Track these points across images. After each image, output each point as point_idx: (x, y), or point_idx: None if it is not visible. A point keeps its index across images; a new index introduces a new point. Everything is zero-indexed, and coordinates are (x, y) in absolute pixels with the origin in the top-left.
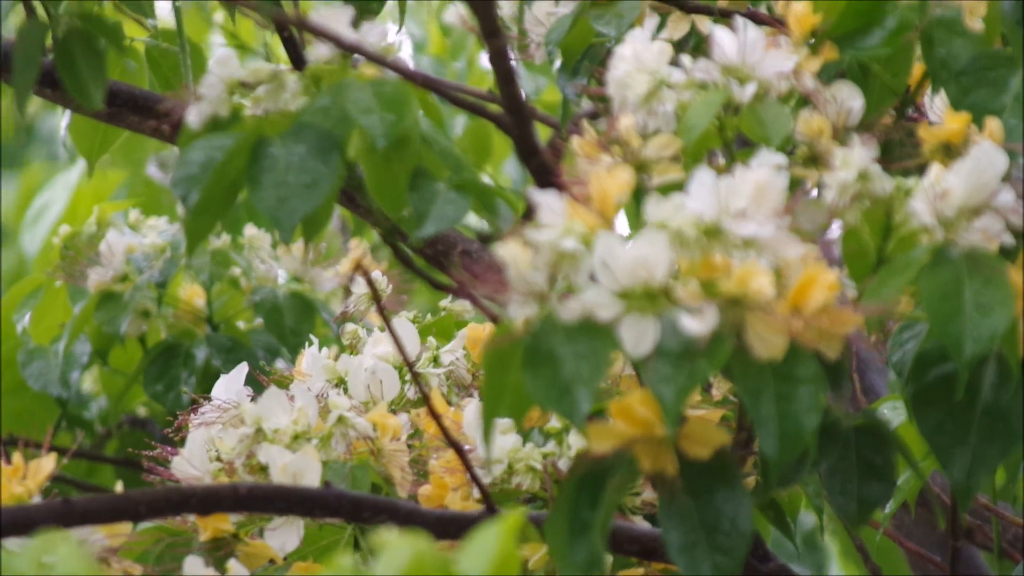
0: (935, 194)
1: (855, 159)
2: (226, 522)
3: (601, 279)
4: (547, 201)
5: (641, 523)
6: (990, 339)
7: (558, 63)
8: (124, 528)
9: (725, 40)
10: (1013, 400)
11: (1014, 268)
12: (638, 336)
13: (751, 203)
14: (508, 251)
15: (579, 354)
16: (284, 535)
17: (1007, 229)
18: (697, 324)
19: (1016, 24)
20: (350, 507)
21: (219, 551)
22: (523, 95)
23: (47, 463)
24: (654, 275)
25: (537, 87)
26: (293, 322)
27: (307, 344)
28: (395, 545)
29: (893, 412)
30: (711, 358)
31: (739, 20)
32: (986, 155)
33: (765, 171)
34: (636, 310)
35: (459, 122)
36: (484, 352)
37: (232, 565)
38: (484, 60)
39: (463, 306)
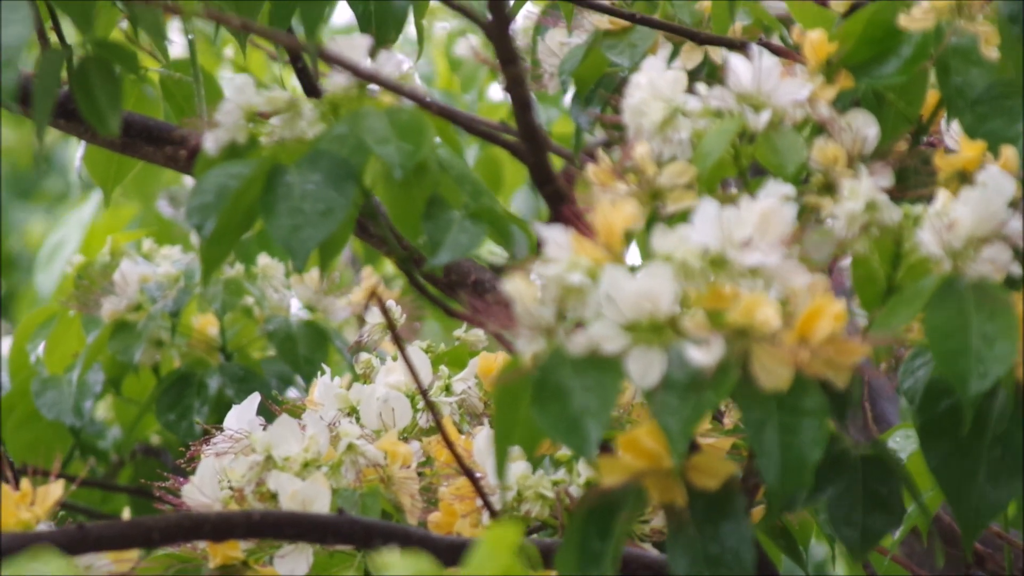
0: (943, 224)
1: (863, 189)
2: (236, 549)
3: (607, 312)
4: (553, 235)
5: (651, 550)
6: (995, 373)
7: (571, 93)
8: (131, 554)
9: (740, 68)
10: (1020, 433)
11: (1020, 299)
12: (645, 368)
13: (756, 232)
14: (514, 286)
15: (587, 387)
16: (293, 562)
17: (1015, 258)
18: (703, 355)
19: (1015, 41)
20: (362, 534)
21: None
22: (539, 124)
23: (55, 489)
24: (659, 307)
25: (548, 118)
26: (307, 351)
27: (320, 373)
28: (399, 565)
29: (905, 441)
30: (717, 389)
31: (754, 48)
32: (994, 183)
33: (771, 200)
34: (642, 342)
35: (470, 154)
36: (494, 387)
37: None
38: (494, 93)
39: (476, 335)
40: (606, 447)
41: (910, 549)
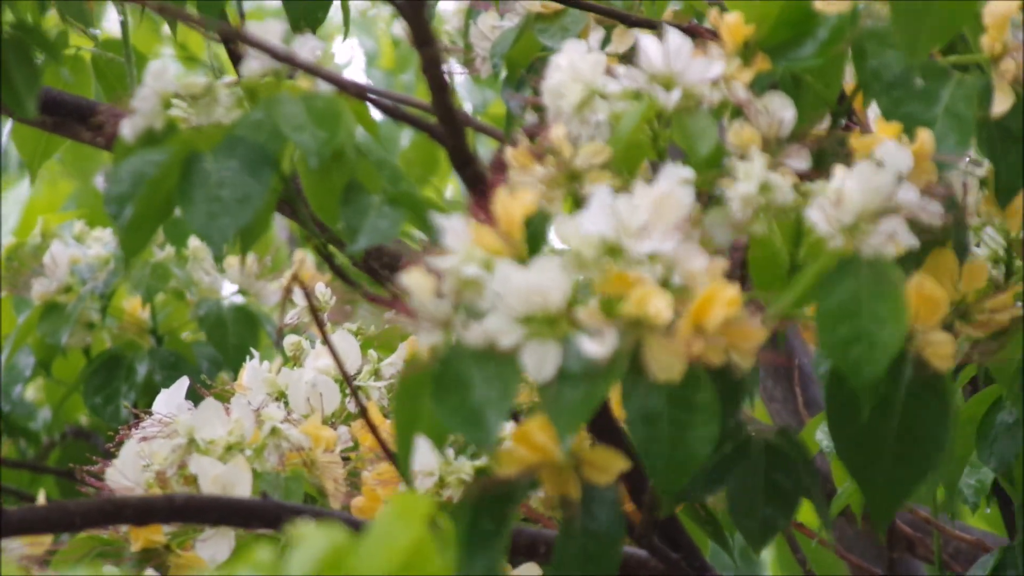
0: (831, 200)
1: (756, 170)
2: (159, 533)
3: (499, 307)
4: (451, 224)
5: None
6: (885, 358)
7: (503, 76)
8: (45, 537)
9: (650, 47)
10: (924, 414)
11: (922, 276)
12: (540, 361)
13: (652, 217)
14: (411, 280)
15: (487, 378)
16: (215, 546)
17: (913, 228)
18: (597, 347)
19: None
20: (287, 518)
21: (150, 562)
22: (457, 104)
23: None
24: (550, 301)
25: (484, 100)
26: (237, 336)
27: (249, 358)
28: (311, 535)
29: None
30: (607, 380)
31: (665, 27)
32: (887, 155)
33: (666, 185)
34: (537, 335)
35: (406, 135)
36: (397, 381)
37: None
38: None
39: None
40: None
41: (840, 533)
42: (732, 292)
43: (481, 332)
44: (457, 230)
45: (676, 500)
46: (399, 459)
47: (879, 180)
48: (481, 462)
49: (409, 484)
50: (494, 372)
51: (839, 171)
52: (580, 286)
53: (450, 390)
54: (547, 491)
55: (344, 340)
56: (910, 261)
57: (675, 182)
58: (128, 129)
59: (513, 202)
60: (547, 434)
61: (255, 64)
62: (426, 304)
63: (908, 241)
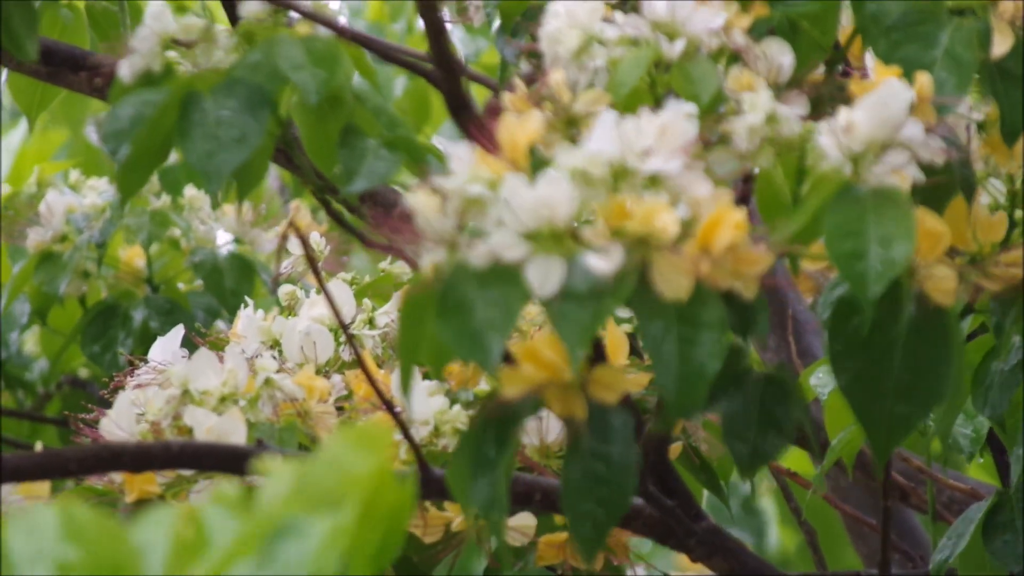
0: (841, 129)
1: (762, 102)
2: (153, 483)
3: (506, 221)
4: (457, 151)
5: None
6: (891, 273)
7: (497, 25)
8: (43, 488)
9: None
10: (927, 349)
11: (924, 209)
12: (544, 276)
13: (656, 142)
14: (416, 199)
15: (490, 301)
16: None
17: (916, 164)
18: (603, 263)
19: None
20: None
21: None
22: (454, 50)
23: None
24: (557, 215)
25: (477, 49)
26: (233, 283)
27: (244, 306)
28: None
29: (828, 376)
30: (615, 297)
31: None
32: (891, 90)
33: (670, 114)
34: (542, 251)
35: (399, 84)
36: (399, 304)
37: None
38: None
39: (402, 268)
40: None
41: (835, 484)
42: (740, 215)
43: (485, 250)
44: (462, 155)
45: (679, 416)
46: (401, 383)
47: (888, 111)
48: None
49: (412, 414)
50: (497, 294)
51: (843, 109)
52: (584, 211)
53: (453, 312)
54: (553, 411)
55: (339, 289)
56: (915, 198)
57: (679, 114)
58: (126, 69)
59: (519, 128)
60: (554, 350)
61: (253, 6)
62: (431, 222)
63: (914, 174)
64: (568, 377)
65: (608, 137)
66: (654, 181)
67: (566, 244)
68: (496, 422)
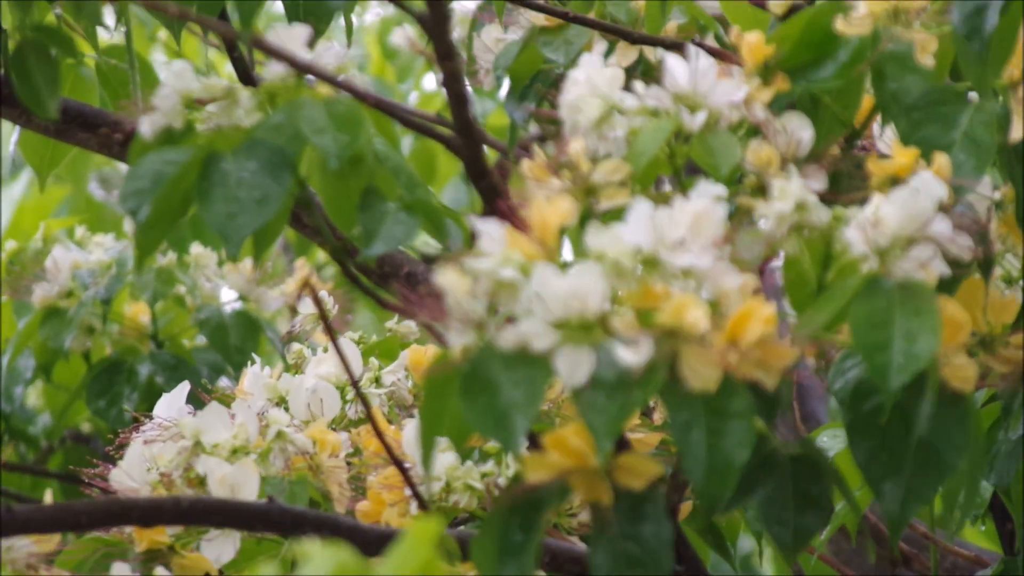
0: (869, 223)
1: (793, 189)
2: (163, 534)
3: (536, 310)
4: (487, 229)
5: (578, 544)
6: (915, 367)
7: (506, 88)
8: (53, 536)
9: (677, 68)
10: (944, 432)
11: (946, 298)
12: (573, 366)
13: (689, 233)
14: (447, 279)
15: (516, 382)
16: (220, 547)
17: (943, 259)
18: (632, 355)
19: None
20: (292, 522)
21: (155, 562)
22: (475, 119)
23: None
24: (588, 306)
25: (484, 111)
26: (238, 340)
27: (250, 363)
28: (319, 554)
29: (832, 440)
30: (644, 389)
31: (691, 49)
32: (923, 185)
33: (704, 201)
34: (571, 341)
35: (404, 145)
36: (424, 378)
37: (159, 573)
38: (429, 83)
39: (408, 327)
40: (536, 441)
41: (837, 547)
42: (769, 310)
43: (514, 335)
44: (493, 234)
45: (712, 510)
46: (423, 457)
47: (917, 207)
48: (487, 468)
49: (423, 485)
50: (523, 375)
51: (876, 196)
52: (611, 298)
53: (478, 391)
54: (580, 497)
55: (347, 348)
56: (939, 289)
57: (710, 198)
58: (147, 127)
59: (550, 209)
60: (582, 439)
61: (276, 68)
62: (461, 304)
63: (941, 269)
64: (595, 465)
65: (642, 228)
66: (685, 272)
67: (595, 333)
68: (522, 507)
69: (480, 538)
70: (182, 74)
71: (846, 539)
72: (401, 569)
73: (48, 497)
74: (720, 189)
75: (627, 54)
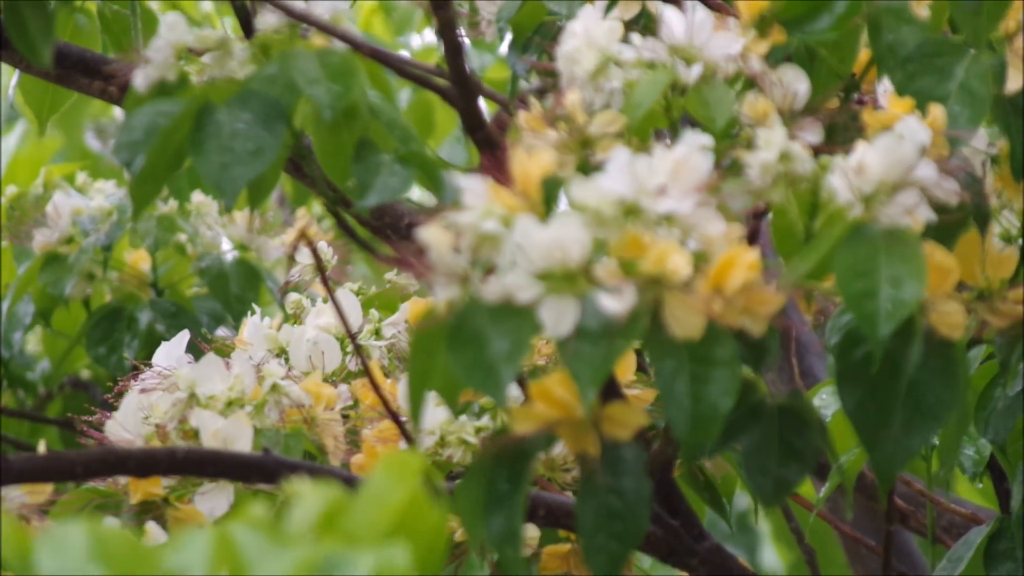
0: (853, 170)
1: (777, 139)
2: (158, 486)
3: (519, 262)
4: (470, 184)
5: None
6: (901, 313)
7: (507, 40)
8: (46, 487)
9: (673, 20)
10: (933, 380)
11: (933, 244)
12: (558, 317)
13: (670, 180)
14: (430, 234)
15: (503, 334)
16: (214, 500)
17: (928, 205)
18: (615, 304)
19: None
20: (287, 474)
21: (149, 514)
22: (470, 69)
23: None
24: (570, 257)
25: (482, 64)
26: (239, 289)
27: (250, 313)
28: (310, 493)
29: (831, 397)
30: (627, 337)
31: (688, 1)
32: (906, 130)
33: (685, 149)
34: (555, 291)
35: (402, 98)
36: (411, 335)
37: (150, 528)
38: (427, 37)
39: (407, 279)
40: (527, 392)
41: (834, 505)
42: (753, 256)
43: (498, 288)
44: (475, 188)
45: (693, 455)
46: (411, 413)
47: (900, 153)
48: (482, 423)
49: (416, 439)
50: (509, 328)
51: (860, 144)
52: (595, 247)
53: (465, 344)
54: (566, 447)
55: (345, 299)
56: (928, 237)
57: (694, 147)
58: (141, 80)
59: (531, 162)
60: (567, 390)
61: (270, 19)
62: (444, 259)
63: (926, 215)
64: (581, 415)
65: (621, 176)
66: (667, 219)
67: (579, 283)
68: (509, 457)
69: (464, 487)
70: (175, 26)
71: (842, 496)
72: (381, 504)
73: (43, 447)
74: (706, 139)
75: (629, 7)
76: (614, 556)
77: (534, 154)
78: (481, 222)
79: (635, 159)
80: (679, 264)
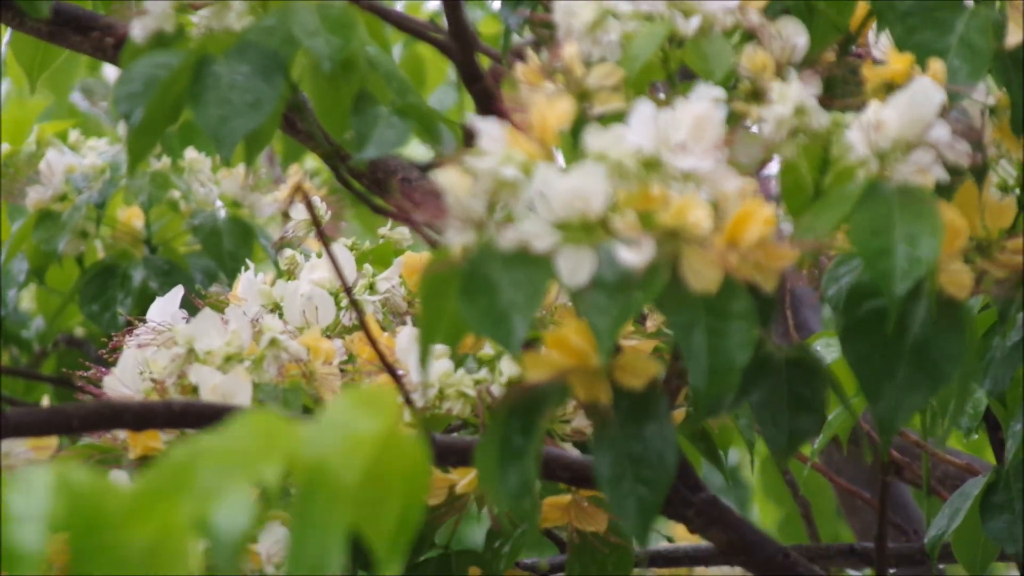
0: (871, 126)
1: (792, 93)
2: (157, 440)
3: (538, 209)
4: (488, 128)
5: (572, 450)
6: (918, 271)
7: None
8: (50, 442)
9: None
10: (939, 338)
11: (945, 204)
12: (574, 267)
13: (690, 136)
14: (447, 178)
15: (516, 282)
16: None
17: (941, 164)
18: (633, 256)
19: None
20: None
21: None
22: (468, 21)
23: None
24: (590, 206)
25: (473, 18)
26: (232, 246)
27: (244, 269)
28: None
29: (826, 348)
30: (646, 290)
31: None
32: (923, 90)
33: (704, 104)
34: (573, 241)
35: (394, 52)
36: (421, 278)
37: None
38: None
39: (401, 234)
40: (530, 345)
41: (828, 458)
42: (769, 211)
43: (515, 235)
44: (493, 133)
45: (712, 411)
46: (420, 358)
47: (919, 111)
48: (480, 375)
49: (425, 383)
50: (523, 276)
51: (875, 101)
52: (611, 200)
53: (478, 291)
54: (577, 396)
55: (340, 254)
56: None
57: (709, 101)
58: (138, 31)
59: (550, 109)
60: (582, 338)
61: None
62: (461, 203)
63: (939, 175)
64: (595, 364)
65: (645, 129)
66: (686, 175)
67: (597, 234)
68: (522, 410)
69: (483, 445)
70: None
71: (837, 449)
72: (354, 442)
73: (46, 401)
74: (719, 91)
75: None
76: (644, 502)
77: (552, 101)
78: (501, 168)
79: (658, 113)
80: (700, 218)
